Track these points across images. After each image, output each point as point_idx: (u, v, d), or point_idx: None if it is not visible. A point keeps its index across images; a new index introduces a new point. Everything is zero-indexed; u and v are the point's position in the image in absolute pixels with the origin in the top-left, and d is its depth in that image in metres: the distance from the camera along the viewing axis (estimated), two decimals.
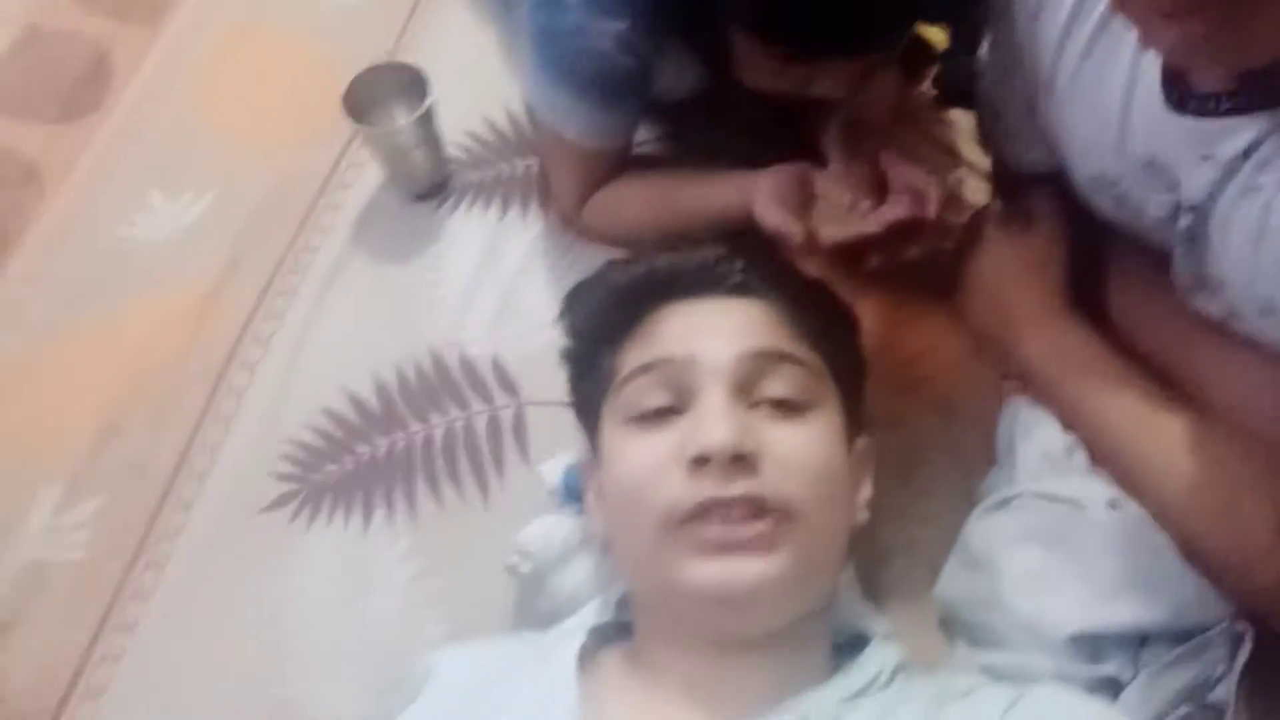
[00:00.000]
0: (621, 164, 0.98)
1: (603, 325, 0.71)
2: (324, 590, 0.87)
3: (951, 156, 1.02)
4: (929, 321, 0.90)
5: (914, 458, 0.84)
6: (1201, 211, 0.65)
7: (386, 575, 0.86)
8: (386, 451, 0.92)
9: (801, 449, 0.62)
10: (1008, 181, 0.90)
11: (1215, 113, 0.60)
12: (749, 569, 0.58)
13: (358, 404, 0.95)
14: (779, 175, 0.85)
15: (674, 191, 0.94)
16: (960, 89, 0.95)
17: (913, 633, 0.75)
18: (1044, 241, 0.84)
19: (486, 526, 0.87)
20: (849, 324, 0.75)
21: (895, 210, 0.81)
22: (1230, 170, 0.61)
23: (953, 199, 0.96)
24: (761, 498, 0.59)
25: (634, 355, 0.67)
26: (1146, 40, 0.56)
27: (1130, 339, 0.81)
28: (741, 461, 0.59)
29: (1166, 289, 0.78)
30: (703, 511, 0.59)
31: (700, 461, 0.59)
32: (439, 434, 0.92)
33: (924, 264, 0.85)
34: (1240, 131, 0.60)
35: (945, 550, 0.78)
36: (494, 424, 0.92)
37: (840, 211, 0.83)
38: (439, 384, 0.95)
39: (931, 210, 0.81)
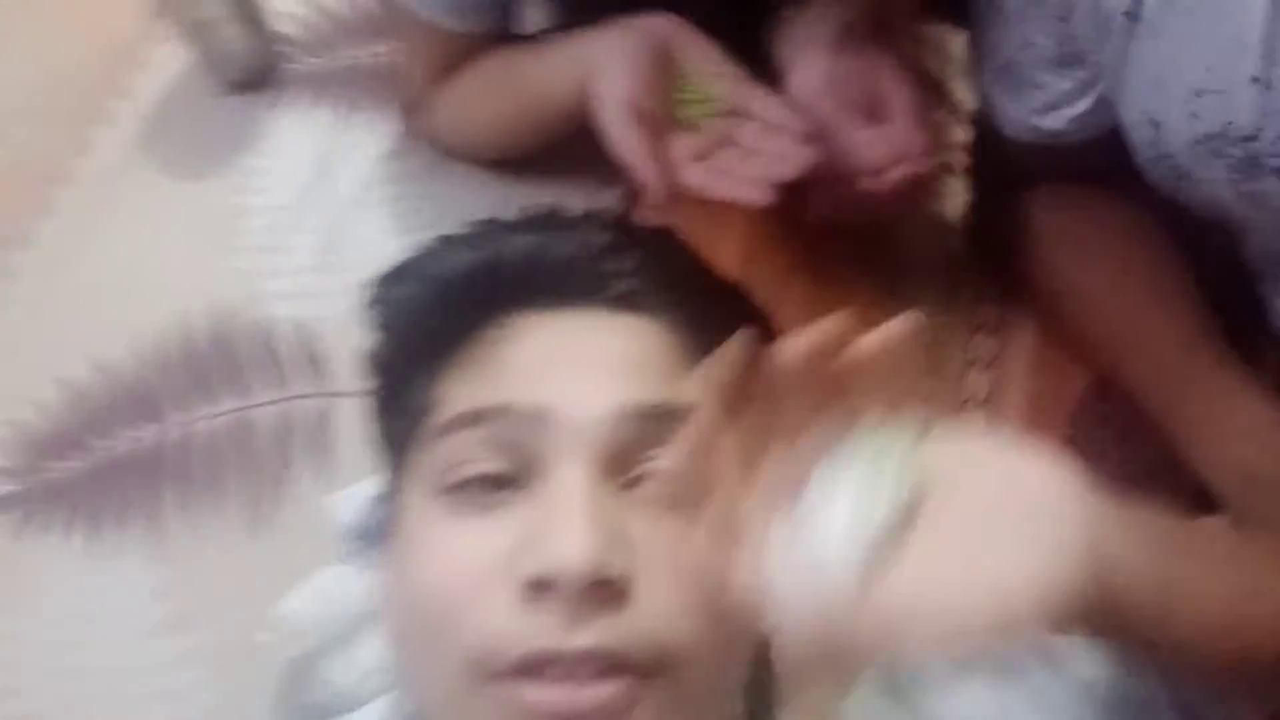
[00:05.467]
0: None
1: (416, 337, 0.50)
2: (46, 629, 0.64)
3: (936, 93, 0.74)
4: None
5: None
6: None
7: (124, 620, 0.64)
8: (129, 449, 0.67)
9: (694, 560, 0.41)
10: (995, 170, 0.67)
11: None
12: None
13: (105, 373, 0.70)
14: (630, 58, 0.59)
15: (509, 71, 0.69)
16: None
17: None
18: None
19: (259, 567, 0.64)
20: None
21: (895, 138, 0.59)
22: None
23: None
24: (628, 652, 0.40)
25: (458, 391, 0.47)
26: None
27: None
28: (604, 592, 0.40)
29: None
30: (533, 667, 0.40)
31: (540, 587, 0.39)
32: (202, 430, 0.68)
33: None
34: None
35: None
36: (283, 420, 0.68)
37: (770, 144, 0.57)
38: (215, 356, 0.71)
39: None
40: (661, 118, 0.57)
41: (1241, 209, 0.56)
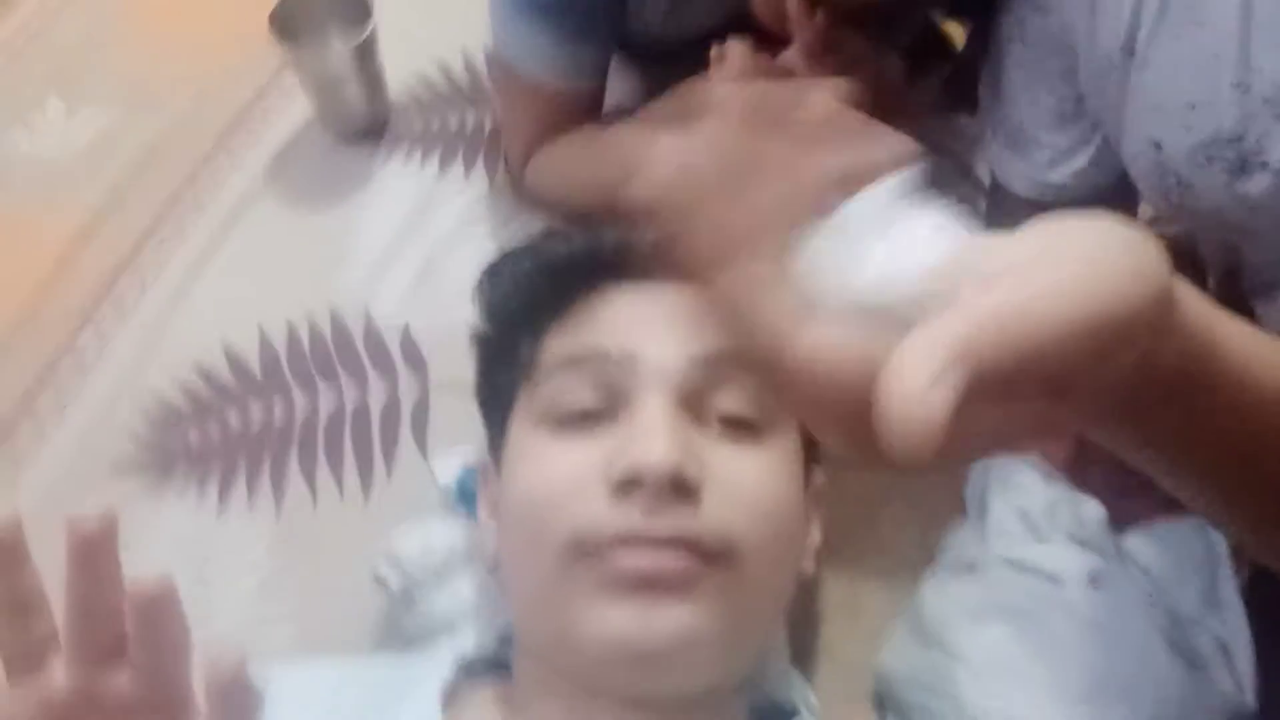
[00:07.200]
0: (586, 116, 0.82)
1: (527, 304, 0.59)
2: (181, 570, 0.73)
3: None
4: None
5: (869, 502, 0.72)
6: None
7: (236, 566, 0.73)
8: (262, 423, 0.79)
9: (755, 480, 0.52)
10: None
11: None
12: (668, 617, 0.48)
13: (236, 361, 0.82)
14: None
15: (611, 144, 0.77)
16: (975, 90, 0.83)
17: (841, 706, 0.64)
18: None
19: (364, 525, 0.74)
20: None
21: None
22: None
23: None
24: (699, 538, 0.49)
25: (561, 344, 0.56)
26: None
27: None
28: (681, 489, 0.48)
29: None
30: (622, 543, 0.48)
31: (630, 483, 0.48)
32: (325, 408, 0.79)
33: None
34: None
35: (893, 615, 0.66)
36: (392, 405, 0.80)
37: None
38: (335, 349, 0.82)
39: None
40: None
41: (1238, 214, 0.58)
